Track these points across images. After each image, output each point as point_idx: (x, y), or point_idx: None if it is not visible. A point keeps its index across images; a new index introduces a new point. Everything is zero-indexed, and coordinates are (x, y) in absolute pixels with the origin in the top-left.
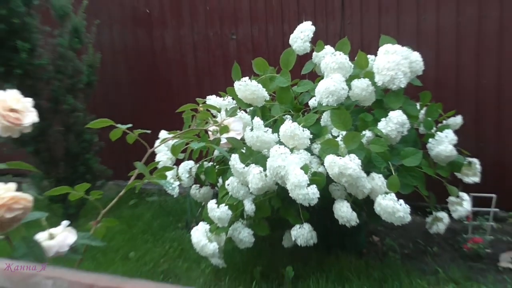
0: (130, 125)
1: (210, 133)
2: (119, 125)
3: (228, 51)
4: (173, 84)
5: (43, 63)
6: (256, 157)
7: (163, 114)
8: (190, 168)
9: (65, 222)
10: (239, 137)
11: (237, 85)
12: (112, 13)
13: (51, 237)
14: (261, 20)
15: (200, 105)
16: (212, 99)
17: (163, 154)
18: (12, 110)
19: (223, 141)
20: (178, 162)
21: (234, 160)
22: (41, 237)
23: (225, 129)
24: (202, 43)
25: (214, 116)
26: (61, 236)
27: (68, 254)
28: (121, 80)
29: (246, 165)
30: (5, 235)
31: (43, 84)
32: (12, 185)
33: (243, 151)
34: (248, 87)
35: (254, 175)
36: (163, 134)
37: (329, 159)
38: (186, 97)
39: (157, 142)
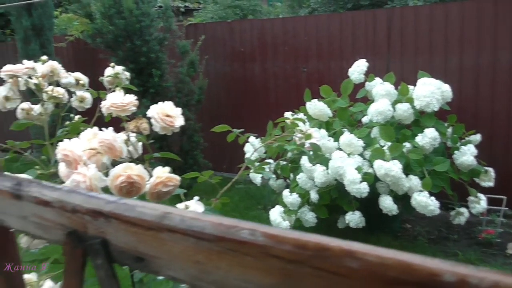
0: (242, 130)
1: (296, 138)
2: (234, 130)
3: (300, 80)
4: (259, 102)
5: (168, 85)
6: (321, 159)
7: (250, 123)
8: (270, 165)
9: (196, 198)
10: (318, 143)
11: (308, 104)
12: (217, 51)
13: (186, 207)
14: (325, 58)
15: (290, 118)
16: (287, 115)
17: (250, 153)
18: (168, 115)
19: (307, 145)
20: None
21: (304, 161)
22: (179, 206)
23: (309, 136)
24: (280, 73)
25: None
26: (193, 207)
27: None
28: (221, 98)
29: (313, 165)
30: (158, 203)
31: (168, 100)
32: (167, 168)
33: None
34: (316, 106)
35: (319, 172)
36: (251, 138)
37: (377, 163)
38: (268, 112)
39: (247, 145)
